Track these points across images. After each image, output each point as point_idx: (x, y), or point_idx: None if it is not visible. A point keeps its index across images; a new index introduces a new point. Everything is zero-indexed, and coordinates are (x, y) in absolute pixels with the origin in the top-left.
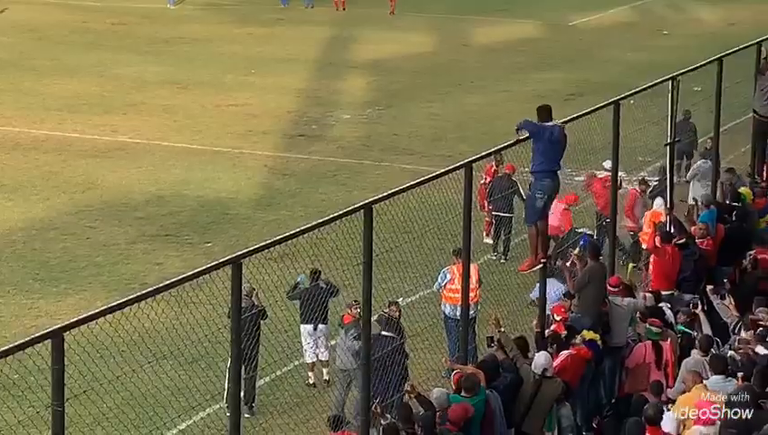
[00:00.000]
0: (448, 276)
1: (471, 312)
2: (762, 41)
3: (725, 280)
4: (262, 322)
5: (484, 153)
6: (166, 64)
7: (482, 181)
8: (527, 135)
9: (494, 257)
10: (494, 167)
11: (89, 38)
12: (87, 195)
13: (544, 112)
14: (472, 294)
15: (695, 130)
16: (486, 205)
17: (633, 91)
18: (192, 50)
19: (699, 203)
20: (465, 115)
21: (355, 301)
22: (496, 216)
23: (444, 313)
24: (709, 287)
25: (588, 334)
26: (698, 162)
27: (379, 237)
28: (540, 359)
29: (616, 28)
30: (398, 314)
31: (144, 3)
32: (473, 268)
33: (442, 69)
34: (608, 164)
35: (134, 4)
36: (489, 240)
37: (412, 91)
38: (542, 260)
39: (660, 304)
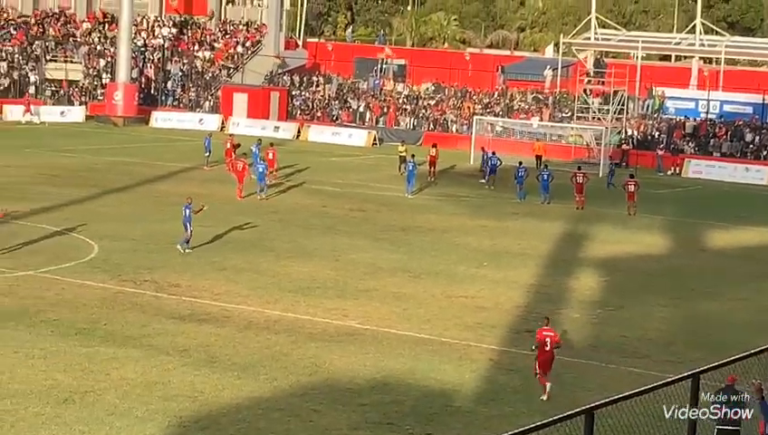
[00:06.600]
0: None
1: None
2: None
3: None
4: None
5: (714, 364)
6: (400, 252)
7: None
8: None
9: None
10: None
11: (327, 222)
12: (313, 378)
13: None
14: None
15: None
16: None
17: None
18: (427, 239)
19: None
20: (697, 321)
21: None
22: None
23: None
24: None
25: None
26: None
27: None
28: None
29: None
30: None
31: (383, 191)
32: None
33: (676, 272)
34: None
35: (373, 191)
36: None
37: (645, 293)
38: None
39: None
